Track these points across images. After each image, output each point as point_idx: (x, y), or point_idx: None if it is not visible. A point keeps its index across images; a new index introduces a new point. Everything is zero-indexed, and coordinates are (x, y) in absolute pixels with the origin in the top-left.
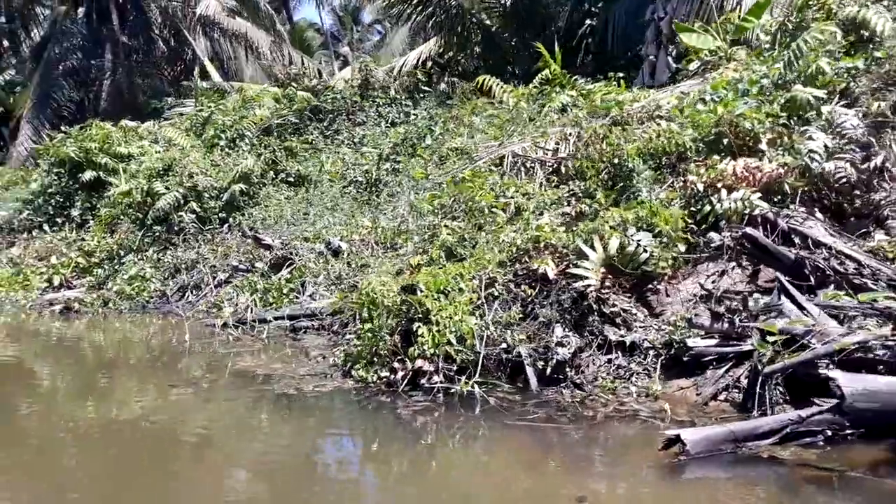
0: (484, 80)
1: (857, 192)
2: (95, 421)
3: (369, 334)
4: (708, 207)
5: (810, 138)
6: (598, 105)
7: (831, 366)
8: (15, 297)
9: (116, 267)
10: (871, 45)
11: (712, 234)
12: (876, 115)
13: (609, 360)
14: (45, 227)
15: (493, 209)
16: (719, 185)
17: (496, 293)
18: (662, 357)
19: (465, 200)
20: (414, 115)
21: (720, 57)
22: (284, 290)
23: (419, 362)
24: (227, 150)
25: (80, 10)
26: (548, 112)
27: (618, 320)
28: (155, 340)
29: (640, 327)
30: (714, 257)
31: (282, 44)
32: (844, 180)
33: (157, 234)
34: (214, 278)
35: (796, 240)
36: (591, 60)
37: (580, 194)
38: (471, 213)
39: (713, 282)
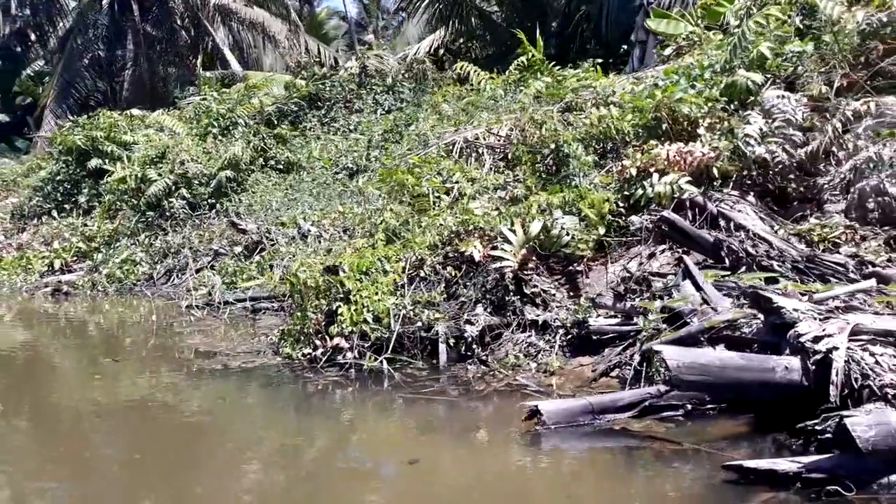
0: (463, 66)
1: (793, 175)
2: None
3: (299, 313)
4: (640, 191)
5: (747, 122)
6: (543, 91)
7: (705, 343)
8: (15, 280)
9: (112, 251)
10: (820, 29)
11: (633, 218)
12: (818, 99)
13: (528, 339)
14: (54, 213)
15: (437, 194)
16: (652, 169)
17: (423, 274)
18: (570, 336)
19: (399, 186)
20: (406, 102)
21: (693, 42)
22: (254, 274)
23: (337, 340)
24: (219, 137)
25: (104, 2)
26: (521, 99)
27: (537, 300)
28: (122, 320)
29: (557, 307)
30: (646, 240)
31: (298, 32)
32: (780, 164)
33: (150, 219)
34: (196, 262)
35: (722, 223)
36: (589, 47)
37: (518, 179)
38: (414, 198)
39: (640, 264)
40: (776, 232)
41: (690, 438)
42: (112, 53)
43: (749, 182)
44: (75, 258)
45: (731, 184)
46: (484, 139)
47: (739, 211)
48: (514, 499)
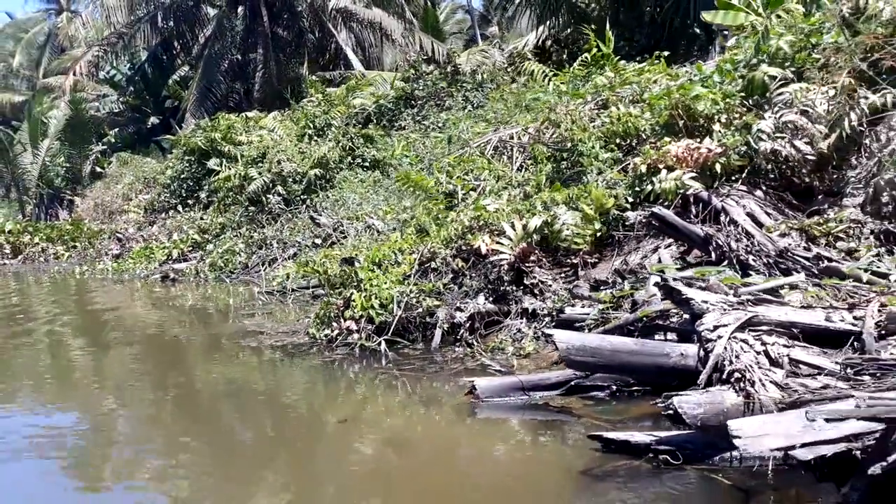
0: (527, 65)
1: (807, 169)
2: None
3: (325, 299)
4: (650, 187)
5: (762, 118)
6: (566, 91)
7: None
8: (139, 268)
9: (219, 242)
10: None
11: (630, 213)
12: (844, 91)
13: (518, 326)
14: (179, 207)
15: (463, 192)
16: (661, 165)
17: (434, 265)
18: (554, 323)
19: (414, 186)
20: (489, 100)
21: (756, 31)
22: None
23: (348, 323)
24: (315, 138)
25: (239, 9)
26: (547, 98)
27: (535, 291)
28: (204, 303)
29: (551, 297)
30: (653, 234)
31: (413, 30)
32: (789, 158)
33: (251, 213)
34: (284, 252)
35: (723, 218)
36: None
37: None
38: (446, 196)
39: (643, 257)
40: (780, 226)
41: (605, 414)
42: (245, 57)
43: (772, 176)
44: (191, 248)
45: (743, 178)
46: (519, 138)
47: (743, 206)
48: (426, 451)
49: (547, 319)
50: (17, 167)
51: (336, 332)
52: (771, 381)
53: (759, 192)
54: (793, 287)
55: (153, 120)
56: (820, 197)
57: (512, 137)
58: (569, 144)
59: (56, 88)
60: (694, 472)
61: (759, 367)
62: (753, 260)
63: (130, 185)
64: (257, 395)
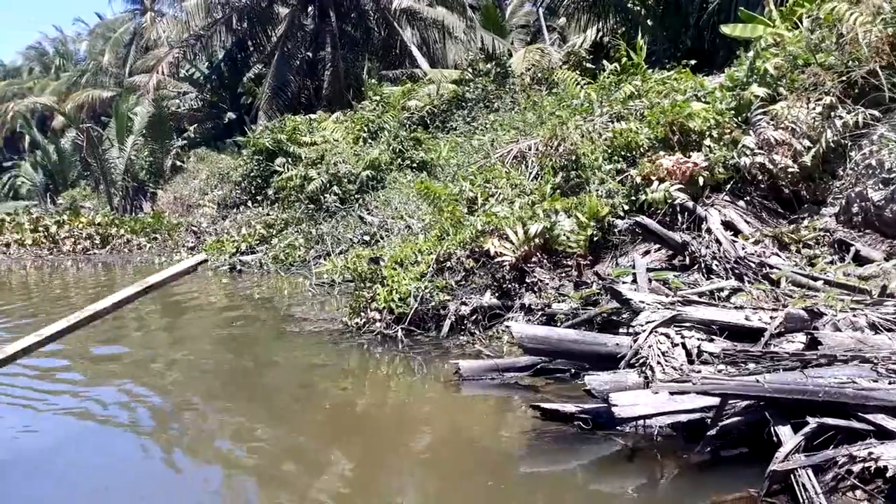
0: (563, 73)
1: (787, 181)
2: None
3: (356, 293)
4: (643, 197)
5: (748, 134)
6: (586, 106)
7: (596, 326)
8: (212, 260)
9: (282, 237)
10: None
11: (617, 221)
12: (826, 110)
13: (516, 319)
14: (248, 203)
15: (481, 198)
16: (653, 177)
17: (450, 265)
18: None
19: (432, 195)
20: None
21: (776, 43)
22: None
23: (373, 313)
24: (369, 141)
25: (310, 9)
26: (612, 102)
27: (535, 288)
28: (262, 291)
29: (549, 294)
30: (645, 239)
31: (474, 27)
32: (775, 171)
33: (310, 211)
34: (337, 248)
35: (704, 225)
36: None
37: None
38: (462, 201)
39: (631, 260)
40: (756, 233)
41: (560, 391)
42: (315, 55)
43: (762, 187)
44: (257, 242)
45: (730, 189)
46: (537, 149)
47: (724, 215)
48: (411, 410)
49: (540, 313)
50: (106, 161)
51: (363, 320)
52: (671, 367)
53: (741, 203)
54: (736, 290)
55: (230, 115)
56: (805, 206)
57: (530, 149)
58: (574, 157)
59: (141, 87)
60: (602, 434)
61: (664, 355)
62: (716, 265)
63: (206, 180)
64: (289, 369)
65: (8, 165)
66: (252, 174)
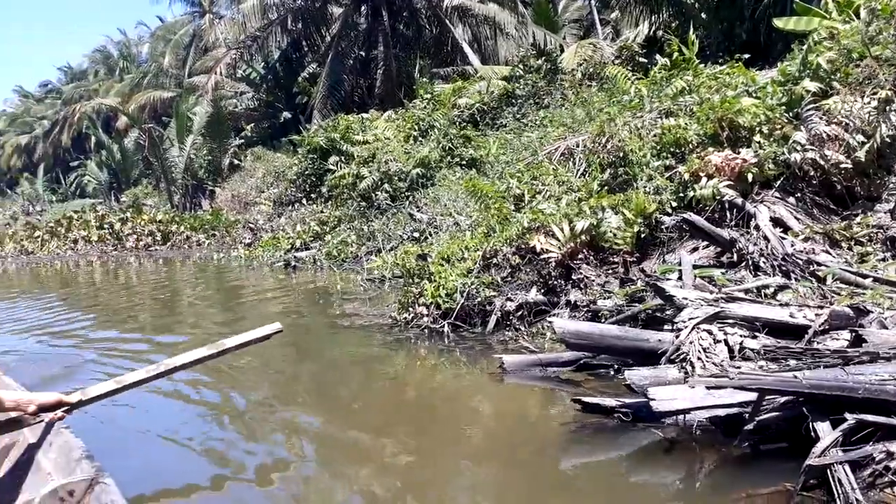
0: (614, 69)
1: (840, 176)
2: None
3: (404, 288)
4: (692, 194)
5: (799, 129)
6: (622, 103)
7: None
8: (267, 256)
9: (335, 234)
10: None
11: (664, 218)
12: (883, 101)
13: (562, 315)
14: (303, 200)
15: (528, 195)
16: (702, 174)
17: (496, 261)
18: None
19: (480, 193)
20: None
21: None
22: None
23: (420, 308)
24: (419, 139)
25: (363, 8)
26: (663, 98)
27: (581, 285)
28: (315, 288)
29: (595, 291)
30: (693, 236)
31: (525, 23)
32: (827, 167)
33: (362, 209)
34: (387, 244)
35: (752, 222)
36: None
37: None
38: (509, 198)
39: (678, 258)
40: (806, 230)
41: (600, 385)
42: (368, 54)
43: (814, 182)
44: (311, 238)
45: (780, 185)
46: (585, 146)
47: (773, 212)
48: (457, 401)
49: (585, 310)
50: (166, 160)
51: (411, 315)
52: (712, 363)
53: (791, 199)
54: (783, 287)
55: (285, 115)
56: (859, 202)
57: (577, 145)
58: (621, 154)
59: (199, 87)
60: (641, 427)
61: (705, 351)
62: (764, 262)
63: (262, 178)
64: (339, 360)
65: (75, 165)
66: (306, 172)
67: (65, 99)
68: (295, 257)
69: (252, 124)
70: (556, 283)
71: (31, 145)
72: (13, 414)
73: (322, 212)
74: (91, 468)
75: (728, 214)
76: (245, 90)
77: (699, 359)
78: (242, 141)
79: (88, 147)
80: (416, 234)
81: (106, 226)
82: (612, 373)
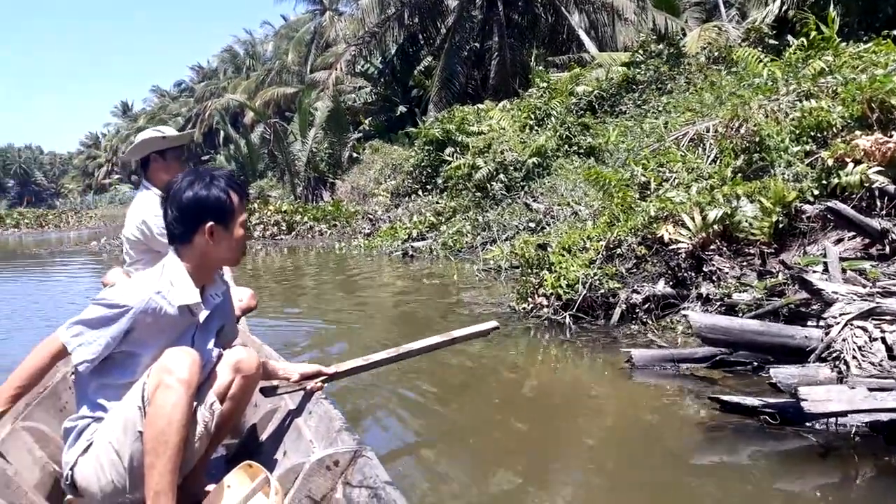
0: (743, 52)
1: None
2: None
3: (523, 278)
4: (836, 181)
5: None
6: (754, 86)
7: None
8: (385, 245)
9: (450, 224)
10: None
11: (806, 207)
12: None
13: (691, 308)
14: (420, 192)
15: (654, 183)
16: (848, 159)
17: (620, 252)
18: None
19: (603, 181)
20: (698, 87)
21: None
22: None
23: (540, 299)
24: (535, 128)
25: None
26: (800, 80)
27: (713, 277)
28: (432, 277)
29: (728, 284)
30: (837, 226)
31: (645, 8)
32: None
33: (478, 199)
34: (503, 234)
35: None
36: None
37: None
38: (634, 187)
39: (822, 248)
40: None
41: (738, 384)
42: (483, 45)
43: None
44: (428, 229)
45: None
46: (716, 130)
47: None
48: (583, 396)
49: (718, 304)
50: (290, 153)
51: (530, 305)
52: (868, 362)
53: None
54: None
55: (401, 108)
56: None
57: (707, 130)
58: (757, 139)
59: (320, 83)
60: (789, 430)
61: (860, 349)
62: None
63: (380, 170)
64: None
65: (206, 159)
66: (423, 164)
67: (197, 97)
68: (412, 247)
69: (370, 118)
70: (685, 275)
71: None
72: (275, 382)
73: (438, 203)
74: (352, 440)
75: (878, 203)
76: (363, 85)
77: (854, 358)
78: (360, 134)
79: (218, 141)
80: (532, 225)
81: None
82: (750, 371)
